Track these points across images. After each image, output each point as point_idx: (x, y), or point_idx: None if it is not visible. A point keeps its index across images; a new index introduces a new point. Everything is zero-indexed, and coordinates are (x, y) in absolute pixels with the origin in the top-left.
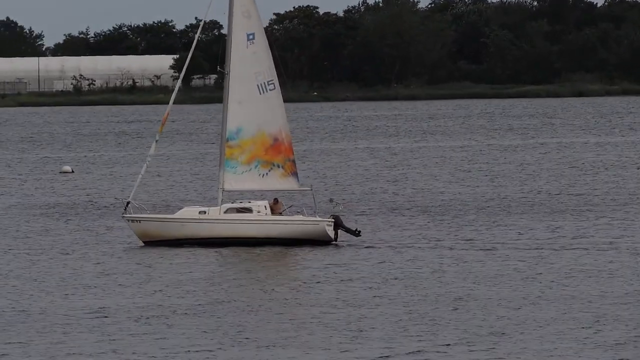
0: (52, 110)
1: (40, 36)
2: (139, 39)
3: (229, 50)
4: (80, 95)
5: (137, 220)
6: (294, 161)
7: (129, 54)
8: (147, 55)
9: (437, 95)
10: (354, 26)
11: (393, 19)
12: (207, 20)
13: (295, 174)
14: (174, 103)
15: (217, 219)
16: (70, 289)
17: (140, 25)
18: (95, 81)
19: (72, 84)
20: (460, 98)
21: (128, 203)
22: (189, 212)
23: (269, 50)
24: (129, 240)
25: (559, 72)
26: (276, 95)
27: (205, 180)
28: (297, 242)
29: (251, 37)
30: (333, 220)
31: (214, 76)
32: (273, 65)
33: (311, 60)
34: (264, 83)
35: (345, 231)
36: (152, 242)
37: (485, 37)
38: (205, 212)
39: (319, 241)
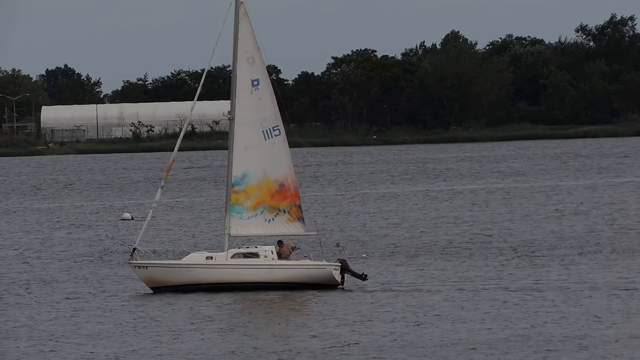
0: (110, 158)
1: (98, 83)
2: (196, 84)
3: (234, 96)
4: (139, 141)
5: (143, 267)
6: (299, 206)
7: (187, 100)
8: (205, 101)
9: (496, 137)
10: (412, 69)
11: (451, 62)
12: (213, 67)
13: (301, 219)
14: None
15: (224, 265)
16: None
17: (198, 70)
18: (153, 127)
19: (130, 130)
20: (519, 139)
21: (134, 249)
22: (196, 257)
23: (274, 96)
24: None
25: (617, 112)
26: (281, 140)
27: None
28: (304, 287)
29: (256, 83)
30: (340, 264)
31: None
32: (278, 111)
33: (370, 104)
34: (270, 129)
35: (352, 275)
36: (159, 288)
37: (543, 79)
38: (212, 258)
39: (326, 285)
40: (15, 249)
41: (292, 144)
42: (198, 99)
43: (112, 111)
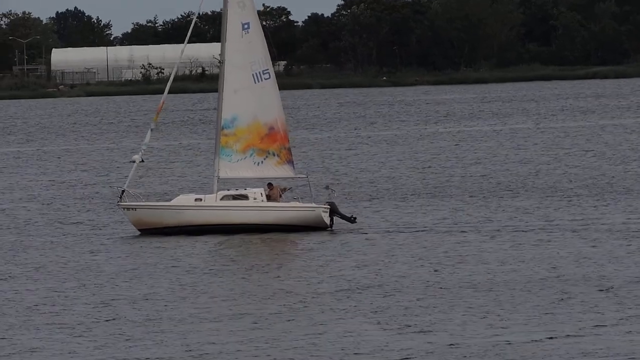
0: (121, 100)
1: (108, 26)
2: (207, 26)
3: (224, 39)
4: (149, 83)
5: (132, 209)
6: (289, 149)
7: (198, 42)
8: (215, 43)
9: (506, 78)
10: (422, 10)
11: (461, 2)
12: (209, 11)
13: (290, 161)
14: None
15: (213, 206)
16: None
17: (209, 12)
18: (163, 69)
19: (140, 72)
20: (529, 80)
21: (123, 191)
22: (185, 199)
23: (264, 40)
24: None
25: (628, 52)
26: (271, 84)
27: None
28: (293, 229)
29: (246, 26)
30: (329, 206)
31: (282, 62)
32: (268, 55)
33: (379, 45)
34: (259, 72)
35: (340, 218)
36: (148, 230)
37: (553, 19)
38: (201, 200)
39: (314, 227)
40: (26, 192)
41: (301, 85)
42: (208, 41)
43: (122, 54)
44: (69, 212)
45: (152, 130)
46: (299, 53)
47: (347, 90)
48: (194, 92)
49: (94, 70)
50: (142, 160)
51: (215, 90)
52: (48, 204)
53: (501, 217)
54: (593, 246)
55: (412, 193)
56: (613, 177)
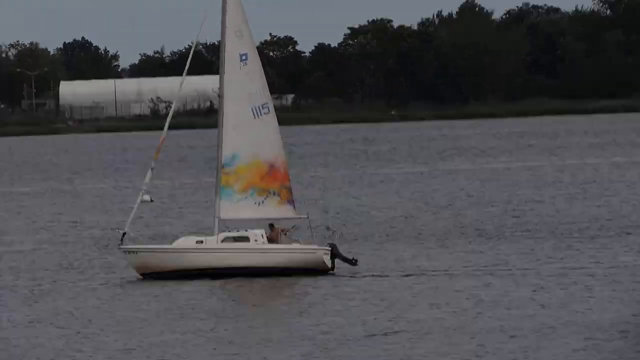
0: (132, 137)
1: (115, 57)
2: (214, 57)
3: (222, 71)
4: (158, 118)
5: (133, 252)
6: (290, 188)
7: (205, 74)
8: (218, 75)
9: (515, 112)
10: (429, 39)
11: (468, 31)
12: (208, 42)
13: (291, 201)
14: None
15: (214, 249)
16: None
17: (215, 43)
18: (172, 103)
19: (149, 107)
20: (538, 115)
21: (124, 234)
22: (186, 241)
23: (262, 71)
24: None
25: (637, 85)
26: (271, 119)
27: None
28: (295, 271)
29: (244, 57)
30: (330, 249)
31: (291, 96)
32: (267, 87)
33: (387, 76)
34: (259, 106)
35: (342, 260)
36: (149, 274)
37: (560, 49)
38: (202, 242)
39: (316, 270)
40: (35, 233)
41: (310, 120)
42: (215, 73)
43: (130, 87)
44: (73, 255)
45: (152, 169)
46: (306, 84)
47: (357, 126)
48: (202, 127)
49: (102, 105)
50: (152, 200)
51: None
52: (53, 244)
53: (516, 259)
54: (613, 290)
55: (417, 235)
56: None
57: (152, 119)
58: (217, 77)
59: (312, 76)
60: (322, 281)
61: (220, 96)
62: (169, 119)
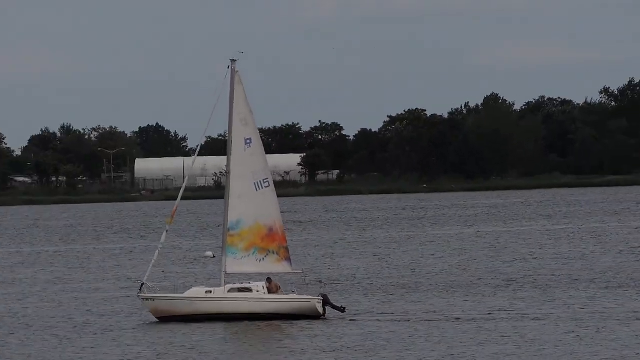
0: (195, 203)
1: (184, 139)
2: (270, 139)
3: (229, 153)
4: (220, 189)
5: (150, 299)
6: (286, 248)
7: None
8: (277, 155)
9: (530, 185)
10: (458, 126)
11: (491, 119)
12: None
13: (288, 259)
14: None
15: (222, 298)
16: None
17: (271, 128)
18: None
19: (213, 179)
20: (551, 187)
21: (142, 284)
22: (197, 291)
23: (264, 153)
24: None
25: (637, 162)
26: (270, 191)
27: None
28: (291, 317)
29: (248, 141)
30: (322, 298)
31: (336, 171)
32: (267, 165)
33: (421, 156)
34: (260, 181)
35: (332, 308)
36: (165, 318)
37: (571, 134)
38: (211, 292)
39: (310, 316)
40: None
41: (352, 191)
42: (268, 153)
43: (197, 163)
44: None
45: (167, 231)
46: (350, 163)
47: (393, 196)
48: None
49: (172, 178)
50: (214, 256)
51: (279, 196)
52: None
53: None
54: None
55: (400, 287)
56: None
57: (214, 189)
58: (225, 157)
59: (355, 155)
60: (315, 325)
61: (228, 172)
62: (181, 193)
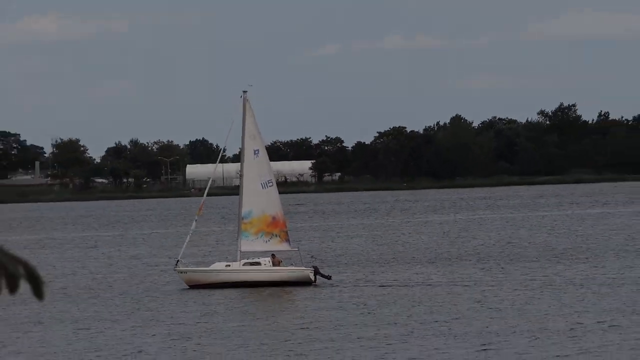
0: (229, 198)
1: (224, 150)
2: (288, 150)
3: (242, 160)
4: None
5: (184, 272)
6: (287, 232)
7: (282, 160)
8: (294, 161)
9: (485, 183)
10: (431, 140)
11: (456, 135)
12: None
13: (287, 240)
14: (207, 195)
15: (238, 270)
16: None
17: (289, 141)
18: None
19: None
20: (501, 185)
21: (177, 261)
22: (219, 265)
23: (268, 160)
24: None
25: (565, 168)
26: (274, 189)
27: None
28: (290, 284)
29: (257, 152)
30: (313, 269)
31: (338, 174)
32: (271, 170)
33: (402, 162)
34: (266, 182)
35: (321, 276)
36: (195, 286)
37: (516, 146)
38: (229, 265)
39: (304, 283)
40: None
41: (351, 189)
42: (286, 160)
43: (232, 169)
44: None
45: (196, 220)
46: (349, 168)
47: (381, 192)
48: (280, 193)
49: (214, 180)
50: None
51: (294, 192)
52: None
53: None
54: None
55: (378, 261)
56: None
57: None
58: (239, 163)
59: (354, 163)
60: (307, 290)
61: (241, 175)
62: (207, 190)
